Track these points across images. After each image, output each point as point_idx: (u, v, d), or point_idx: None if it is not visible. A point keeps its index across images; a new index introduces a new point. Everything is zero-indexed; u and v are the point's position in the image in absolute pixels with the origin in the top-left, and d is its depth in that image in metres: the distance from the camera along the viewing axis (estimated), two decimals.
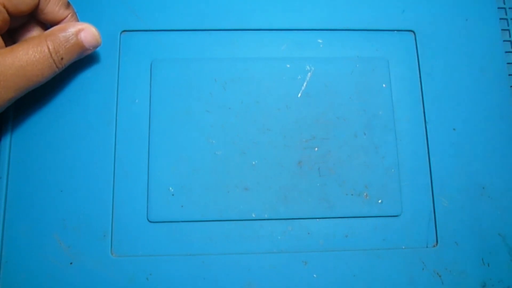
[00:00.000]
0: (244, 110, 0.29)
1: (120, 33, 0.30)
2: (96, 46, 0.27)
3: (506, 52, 0.31)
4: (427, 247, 0.28)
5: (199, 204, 0.28)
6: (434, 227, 0.28)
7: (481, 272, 0.27)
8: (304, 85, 0.30)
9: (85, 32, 0.26)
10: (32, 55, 0.24)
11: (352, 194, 0.28)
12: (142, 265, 0.27)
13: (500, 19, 0.31)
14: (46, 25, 0.27)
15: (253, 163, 0.28)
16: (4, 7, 0.24)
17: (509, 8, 0.32)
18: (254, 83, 0.29)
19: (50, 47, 0.25)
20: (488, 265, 0.27)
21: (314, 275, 0.27)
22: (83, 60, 0.29)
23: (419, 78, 0.30)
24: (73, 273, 0.26)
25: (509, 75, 0.30)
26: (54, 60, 0.25)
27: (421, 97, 0.30)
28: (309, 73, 0.30)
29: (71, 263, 0.27)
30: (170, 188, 0.28)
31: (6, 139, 0.28)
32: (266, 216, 0.28)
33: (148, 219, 0.27)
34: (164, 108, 0.29)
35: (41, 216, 0.27)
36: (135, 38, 0.30)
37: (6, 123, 0.28)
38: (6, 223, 0.27)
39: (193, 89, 0.29)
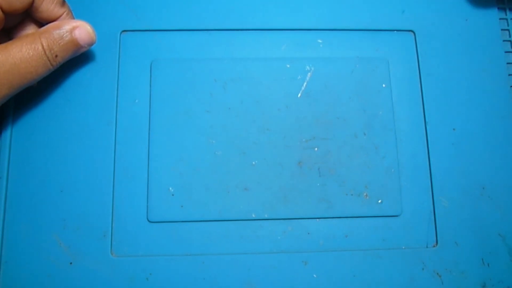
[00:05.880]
0: (244, 110, 0.28)
1: (120, 33, 0.29)
2: (91, 44, 0.26)
3: (506, 52, 0.30)
4: (427, 247, 0.27)
5: (199, 204, 0.27)
6: (434, 227, 0.27)
7: (481, 272, 0.27)
8: (304, 85, 0.29)
9: (80, 30, 0.25)
10: (26, 52, 0.23)
11: (352, 194, 0.28)
12: (142, 265, 0.26)
13: (500, 19, 0.30)
14: (42, 23, 0.26)
15: (253, 163, 0.28)
16: None
17: (509, 8, 0.31)
18: (254, 83, 0.29)
19: (44, 45, 0.24)
20: (488, 265, 0.27)
21: (314, 275, 0.27)
22: (83, 60, 0.28)
23: (419, 78, 0.29)
24: (73, 273, 0.26)
25: (509, 75, 0.29)
26: (48, 57, 0.24)
27: (421, 97, 0.29)
28: (309, 73, 0.29)
29: (71, 263, 0.26)
30: (170, 188, 0.27)
31: (6, 139, 0.27)
32: (266, 216, 0.27)
33: (148, 219, 0.27)
34: (164, 108, 0.28)
35: (41, 216, 0.26)
36: (135, 38, 0.29)
37: (6, 123, 0.27)
38: (6, 223, 0.26)
39: (193, 89, 0.28)
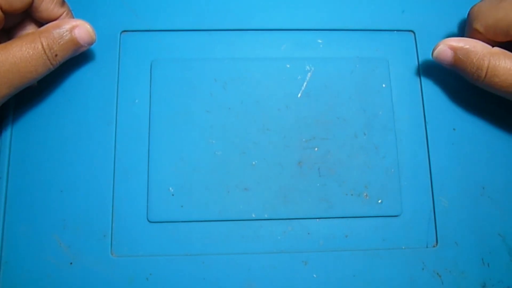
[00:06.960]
0: (244, 110, 0.28)
1: (120, 33, 0.29)
2: (90, 43, 0.26)
3: None
4: (427, 247, 0.27)
5: (199, 204, 0.27)
6: (434, 227, 0.27)
7: (481, 272, 0.27)
8: (304, 85, 0.29)
9: (79, 29, 0.25)
10: (25, 51, 0.23)
11: (352, 194, 0.28)
12: (142, 265, 0.26)
13: None
14: (42, 23, 0.26)
15: (253, 163, 0.28)
16: None
17: None
18: (254, 83, 0.29)
19: (44, 44, 0.24)
20: (488, 265, 0.27)
21: (314, 275, 0.26)
22: (83, 60, 0.28)
23: (419, 78, 0.29)
24: (73, 273, 0.26)
25: None
26: (48, 56, 0.24)
27: (421, 97, 0.29)
28: (309, 73, 0.29)
29: (71, 263, 0.26)
30: (170, 188, 0.27)
31: (6, 139, 0.27)
32: (266, 216, 0.27)
33: (148, 219, 0.27)
34: (164, 108, 0.28)
35: (41, 216, 0.26)
36: (135, 38, 0.29)
37: (6, 123, 0.27)
38: (6, 223, 0.26)
39: (193, 89, 0.28)
